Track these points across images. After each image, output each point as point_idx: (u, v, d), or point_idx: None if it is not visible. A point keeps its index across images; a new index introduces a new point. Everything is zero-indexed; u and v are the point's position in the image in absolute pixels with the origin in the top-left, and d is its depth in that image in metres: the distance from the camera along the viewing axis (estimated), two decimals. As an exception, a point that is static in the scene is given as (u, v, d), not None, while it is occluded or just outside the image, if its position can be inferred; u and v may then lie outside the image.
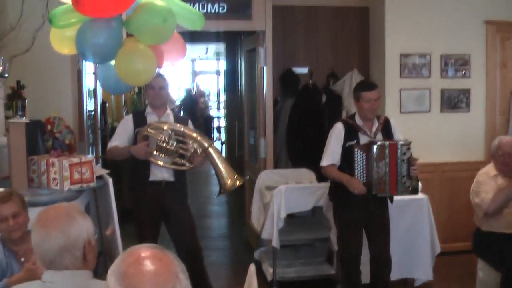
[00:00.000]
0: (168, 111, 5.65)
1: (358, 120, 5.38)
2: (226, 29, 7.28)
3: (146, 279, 1.72)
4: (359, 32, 8.05)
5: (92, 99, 7.50)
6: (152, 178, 5.43)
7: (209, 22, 6.78)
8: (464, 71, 7.52)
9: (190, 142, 5.30)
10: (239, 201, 9.30)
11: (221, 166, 5.35)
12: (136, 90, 11.09)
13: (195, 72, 22.09)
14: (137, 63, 3.24)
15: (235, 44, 11.79)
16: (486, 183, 5.60)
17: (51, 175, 4.64)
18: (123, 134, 5.53)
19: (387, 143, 5.19)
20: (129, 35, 3.49)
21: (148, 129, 5.28)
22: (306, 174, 6.87)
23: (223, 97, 18.10)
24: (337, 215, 5.59)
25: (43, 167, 4.71)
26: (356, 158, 5.20)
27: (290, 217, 6.57)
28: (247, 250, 7.64)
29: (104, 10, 3.02)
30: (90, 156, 4.89)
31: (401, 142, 5.20)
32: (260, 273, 6.47)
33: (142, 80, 3.39)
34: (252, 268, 3.38)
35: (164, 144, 5.23)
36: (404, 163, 5.15)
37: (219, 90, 20.91)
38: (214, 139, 14.46)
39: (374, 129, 5.36)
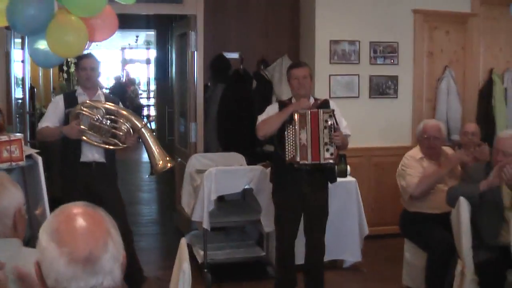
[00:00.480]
0: (99, 91, 5.61)
1: (293, 101, 5.42)
2: (157, 12, 7.24)
3: (78, 234, 1.72)
4: (289, 19, 8.12)
5: (21, 87, 7.35)
6: (83, 159, 5.38)
7: (140, 5, 6.83)
8: (392, 58, 7.66)
9: (124, 122, 5.27)
10: (168, 187, 9.27)
11: (154, 147, 5.33)
12: (65, 76, 10.95)
13: (125, 60, 21.88)
14: (69, 35, 3.20)
15: (166, 31, 11.70)
16: (412, 166, 5.73)
17: (-21, 154, 4.53)
18: (53, 115, 5.45)
19: (308, 111, 5.18)
20: (60, 7, 3.45)
21: (82, 108, 5.22)
22: (236, 158, 6.89)
23: (153, 87, 17.97)
24: (273, 196, 5.63)
25: (-29, 145, 4.59)
26: (286, 131, 5.21)
27: (221, 201, 6.61)
28: (177, 235, 7.59)
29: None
30: (19, 135, 4.78)
31: (323, 109, 5.21)
32: (191, 256, 6.45)
33: (73, 52, 3.36)
34: (183, 241, 3.38)
35: (98, 123, 5.19)
36: (326, 129, 5.12)
37: (149, 79, 20.75)
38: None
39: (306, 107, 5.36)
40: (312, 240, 5.47)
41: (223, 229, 7.05)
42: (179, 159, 7.62)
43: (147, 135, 5.34)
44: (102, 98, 5.52)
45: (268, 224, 6.07)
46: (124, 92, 16.72)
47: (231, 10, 8.01)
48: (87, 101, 5.30)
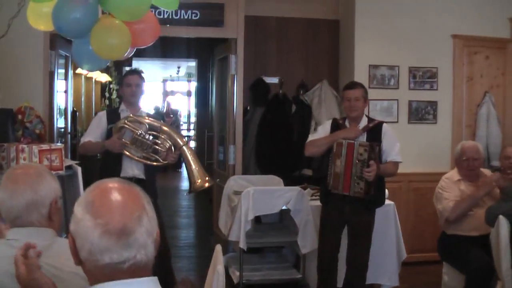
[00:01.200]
0: (142, 109, 5.70)
1: (347, 121, 5.47)
2: (198, 35, 7.33)
3: (113, 207, 1.75)
4: (329, 44, 8.19)
5: (63, 117, 7.49)
6: (123, 174, 5.43)
7: (182, 28, 6.96)
8: (431, 84, 7.66)
9: (166, 138, 5.34)
10: (207, 212, 9.32)
11: (194, 165, 5.39)
12: (107, 102, 11.13)
13: (166, 92, 22.11)
14: (112, 37, 3.30)
15: (207, 61, 11.88)
16: (449, 189, 5.69)
17: (21, 161, 4.63)
18: (96, 129, 5.56)
19: (345, 141, 5.21)
20: (104, 12, 3.55)
21: (126, 121, 5.31)
22: (274, 181, 6.91)
23: (193, 118, 18.12)
24: (321, 214, 5.68)
25: (13, 154, 4.70)
26: (329, 158, 5.31)
27: (258, 223, 6.62)
28: (214, 258, 7.64)
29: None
30: (59, 144, 4.89)
31: (359, 142, 5.19)
32: (227, 276, 6.46)
33: (117, 54, 3.44)
34: (218, 247, 3.43)
35: (140, 138, 5.27)
36: (359, 163, 5.13)
37: (189, 111, 20.92)
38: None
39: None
40: (353, 258, 5.47)
41: (259, 251, 7.05)
42: (218, 180, 7.65)
43: (188, 153, 5.40)
44: (145, 115, 5.61)
45: (305, 245, 6.07)
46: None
47: (272, 34, 8.09)
48: (131, 115, 5.38)
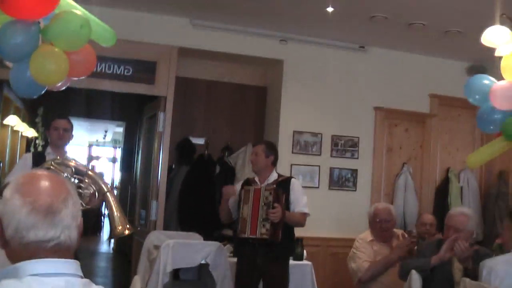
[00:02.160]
0: (67, 154, 5.70)
1: (256, 177, 5.74)
2: (130, 91, 7.39)
3: (42, 188, 1.84)
4: (256, 109, 8.41)
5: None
6: None
7: (114, 82, 7.03)
8: (352, 152, 7.91)
9: (90, 183, 5.35)
10: (125, 273, 9.19)
11: (116, 212, 5.37)
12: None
13: (91, 157, 21.96)
14: (51, 63, 3.40)
15: (135, 124, 11.91)
16: (363, 248, 5.85)
17: None
18: (21, 171, 5.49)
19: (252, 187, 5.48)
20: (44, 41, 3.65)
21: (53, 163, 5.29)
22: (194, 238, 6.91)
23: (118, 186, 18.00)
24: (235, 268, 5.79)
25: None
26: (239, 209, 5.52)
27: (176, 279, 6.59)
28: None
29: (28, 11, 3.22)
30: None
31: (264, 187, 5.45)
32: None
33: (53, 80, 3.52)
34: (136, 277, 3.44)
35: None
36: (265, 206, 5.34)
37: (113, 179, 20.75)
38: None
39: (266, 182, 5.61)
40: None
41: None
42: (138, 228, 7.63)
43: (111, 199, 5.38)
44: (71, 159, 5.61)
45: (223, 299, 6.08)
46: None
47: (201, 96, 8.29)
48: (58, 158, 5.38)
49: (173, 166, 8.01)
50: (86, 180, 5.33)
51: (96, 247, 13.65)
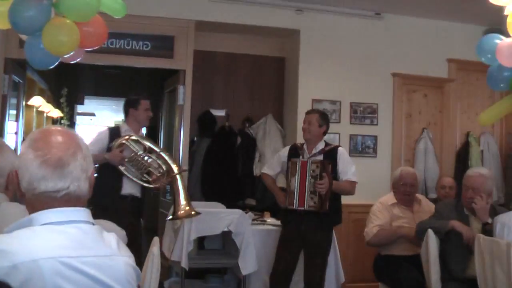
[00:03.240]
0: (142, 132, 5.86)
1: (305, 145, 5.87)
2: (148, 65, 7.50)
3: (52, 143, 1.98)
4: (274, 80, 8.48)
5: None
6: (123, 191, 5.64)
7: (133, 58, 7.15)
8: (372, 119, 7.96)
9: (161, 163, 5.49)
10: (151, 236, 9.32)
11: (182, 195, 5.49)
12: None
13: (117, 137, 22.15)
14: (63, 34, 3.53)
15: (158, 101, 11.99)
16: (380, 213, 5.99)
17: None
18: (96, 143, 5.70)
19: (299, 160, 5.54)
20: (57, 14, 3.76)
21: (129, 139, 5.45)
22: (218, 207, 7.03)
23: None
24: (280, 234, 5.95)
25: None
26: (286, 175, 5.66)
27: (201, 249, 6.72)
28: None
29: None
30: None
31: (313, 159, 5.55)
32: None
33: (65, 50, 3.65)
34: (155, 239, 3.56)
35: (139, 158, 5.41)
36: (312, 179, 5.44)
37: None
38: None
39: (314, 151, 5.75)
40: (307, 277, 5.70)
41: (202, 277, 7.12)
42: (162, 209, 7.76)
43: (179, 182, 5.52)
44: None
45: (245, 267, 6.17)
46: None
47: (220, 69, 8.36)
48: (135, 135, 5.54)
49: (195, 139, 8.10)
50: (158, 161, 5.50)
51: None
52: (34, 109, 9.99)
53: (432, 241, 5.00)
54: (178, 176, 5.46)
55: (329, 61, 7.91)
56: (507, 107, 4.79)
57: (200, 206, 6.93)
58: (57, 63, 3.87)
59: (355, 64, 7.96)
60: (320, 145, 5.82)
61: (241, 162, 7.92)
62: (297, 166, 5.56)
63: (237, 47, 8.45)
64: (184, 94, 7.44)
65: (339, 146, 6.10)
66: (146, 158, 5.48)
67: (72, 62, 4.24)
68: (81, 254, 1.86)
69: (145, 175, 5.52)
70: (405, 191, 6.05)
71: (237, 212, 6.35)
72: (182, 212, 5.43)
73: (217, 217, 6.31)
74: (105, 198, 5.60)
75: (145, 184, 5.56)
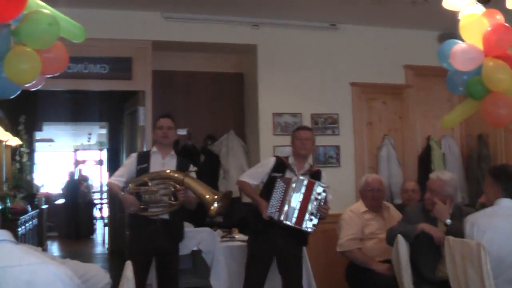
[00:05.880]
0: (172, 152, 5.85)
1: (291, 160, 5.79)
2: (107, 88, 7.49)
3: None
4: (234, 96, 8.52)
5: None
6: (151, 216, 5.55)
7: (92, 81, 7.11)
8: (333, 129, 8.01)
9: (168, 181, 5.44)
10: (121, 271, 9.23)
11: (200, 189, 5.46)
12: (18, 166, 11.03)
13: (77, 161, 21.92)
14: (24, 62, 3.50)
15: (118, 123, 11.94)
16: (351, 219, 6.08)
17: None
18: (125, 169, 5.73)
19: (306, 179, 5.50)
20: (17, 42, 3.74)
21: (133, 187, 5.43)
22: (186, 227, 6.97)
23: (105, 188, 18.00)
24: (248, 245, 5.89)
25: None
26: (275, 187, 5.50)
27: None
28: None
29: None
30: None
31: (319, 182, 5.53)
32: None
33: (28, 79, 3.62)
34: (127, 262, 3.53)
35: (149, 190, 5.38)
36: (316, 201, 5.42)
37: (101, 181, 20.69)
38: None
39: (302, 171, 5.73)
40: (288, 285, 5.70)
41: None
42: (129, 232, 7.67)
43: (191, 182, 5.48)
44: (174, 159, 5.80)
45: (218, 284, 6.18)
46: (77, 188, 16.79)
47: (179, 88, 8.39)
48: (133, 179, 5.55)
49: (157, 159, 8.07)
50: (164, 180, 5.46)
51: (91, 250, 13.73)
52: (-7, 141, 9.84)
53: (402, 246, 5.05)
54: (186, 179, 5.43)
55: (288, 74, 7.96)
56: (469, 109, 4.87)
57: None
58: (19, 92, 3.82)
59: (313, 75, 8.02)
60: (307, 165, 5.84)
61: (205, 180, 7.88)
62: (303, 183, 5.46)
63: (196, 65, 8.48)
64: (144, 115, 7.42)
65: (320, 169, 6.07)
66: (154, 186, 5.46)
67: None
68: None
69: (163, 199, 5.48)
70: (373, 196, 6.14)
71: (206, 230, 6.36)
72: (209, 198, 5.37)
73: (186, 237, 6.28)
74: (135, 223, 5.68)
75: (171, 208, 5.49)
